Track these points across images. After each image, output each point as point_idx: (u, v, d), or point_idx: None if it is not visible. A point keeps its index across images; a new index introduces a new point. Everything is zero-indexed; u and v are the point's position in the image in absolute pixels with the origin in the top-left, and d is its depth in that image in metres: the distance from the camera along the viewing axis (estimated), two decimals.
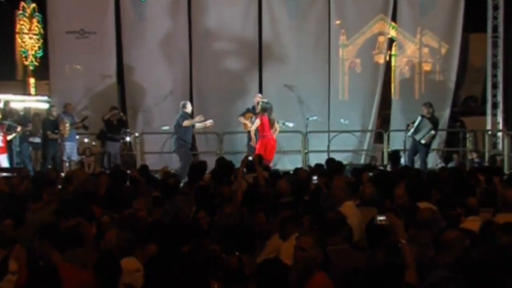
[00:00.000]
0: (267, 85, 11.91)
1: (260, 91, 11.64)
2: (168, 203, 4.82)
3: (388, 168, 9.53)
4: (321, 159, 9.86)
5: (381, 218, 3.15)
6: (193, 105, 11.48)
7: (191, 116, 10.19)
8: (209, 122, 10.11)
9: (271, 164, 9.26)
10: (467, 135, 11.48)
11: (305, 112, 11.76)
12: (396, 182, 5.38)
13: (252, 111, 10.27)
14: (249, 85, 11.96)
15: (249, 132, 10.23)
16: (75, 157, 11.01)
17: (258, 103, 10.11)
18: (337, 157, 9.55)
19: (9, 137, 10.20)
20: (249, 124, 10.12)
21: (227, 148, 11.42)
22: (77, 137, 11.16)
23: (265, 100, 9.75)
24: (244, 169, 5.92)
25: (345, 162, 9.87)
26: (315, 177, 7.13)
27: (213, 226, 4.37)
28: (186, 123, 9.80)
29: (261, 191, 5.21)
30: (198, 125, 10.06)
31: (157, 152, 11.78)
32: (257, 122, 9.47)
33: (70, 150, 10.85)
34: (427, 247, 3.15)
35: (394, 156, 8.75)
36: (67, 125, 10.64)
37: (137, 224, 4.07)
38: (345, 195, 4.57)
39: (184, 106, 10.09)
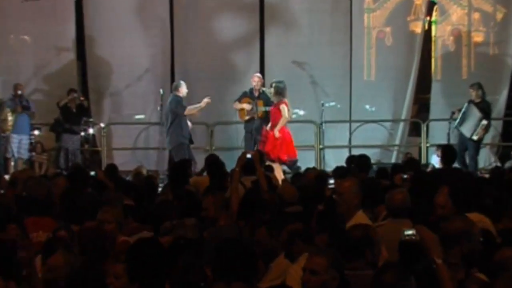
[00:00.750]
0: (271, 62, 11.96)
1: (261, 69, 11.68)
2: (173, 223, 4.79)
3: (431, 169, 9.54)
4: (341, 156, 9.94)
5: (409, 232, 3.16)
6: None
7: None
8: (204, 102, 10.12)
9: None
10: None
11: (319, 96, 11.79)
12: (438, 186, 5.38)
13: (250, 95, 10.28)
14: (247, 62, 12.03)
15: (246, 121, 10.28)
16: (25, 155, 11.02)
17: (257, 86, 10.19)
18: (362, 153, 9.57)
19: None
20: (247, 108, 10.15)
21: (219, 143, 11.49)
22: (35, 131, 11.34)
23: (280, 80, 9.78)
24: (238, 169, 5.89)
25: (371, 161, 9.72)
26: (332, 181, 7.26)
27: (202, 244, 4.36)
28: (190, 110, 9.87)
29: (263, 199, 5.20)
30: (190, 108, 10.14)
31: (128, 148, 11.89)
32: (285, 109, 9.46)
33: (18, 145, 10.83)
34: (457, 268, 3.18)
35: (448, 152, 8.25)
36: (9, 115, 10.64)
37: (103, 240, 4.13)
38: (357, 202, 4.48)
39: (176, 88, 10.07)
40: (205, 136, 11.47)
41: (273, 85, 9.62)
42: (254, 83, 10.27)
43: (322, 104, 11.22)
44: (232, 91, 11.36)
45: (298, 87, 11.63)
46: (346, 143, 11.60)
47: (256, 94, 10.21)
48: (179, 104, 9.91)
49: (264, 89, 10.24)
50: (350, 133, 11.68)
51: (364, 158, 7.53)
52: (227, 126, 11.60)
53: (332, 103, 11.39)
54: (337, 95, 11.82)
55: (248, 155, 5.95)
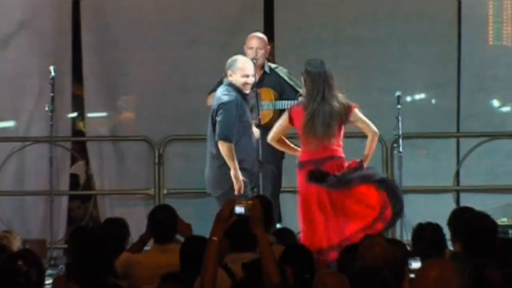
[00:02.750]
0: (285, 11, 12.41)
1: (268, 27, 12.16)
2: None
3: None
4: (437, 209, 10.22)
5: None
6: (80, 74, 11.79)
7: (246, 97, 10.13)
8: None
9: None
10: None
11: (390, 81, 12.15)
12: None
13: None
14: (237, 10, 12.54)
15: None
16: None
17: (259, 58, 10.32)
18: (483, 204, 9.64)
19: None
20: None
21: (175, 181, 11.94)
22: None
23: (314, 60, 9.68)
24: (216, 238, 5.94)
25: (504, 220, 10.04)
26: (416, 263, 7.13)
27: None
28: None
29: None
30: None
31: None
32: (285, 118, 9.57)
33: None
34: None
35: None
36: None
37: None
38: None
39: (230, 68, 10.05)
40: (148, 166, 11.80)
41: (306, 66, 9.78)
42: (249, 53, 10.42)
43: (398, 99, 11.27)
44: (197, 79, 11.70)
45: (344, 63, 11.96)
46: (449, 182, 11.74)
47: (257, 75, 10.32)
48: (241, 106, 9.97)
49: (271, 65, 10.50)
50: (458, 161, 11.85)
51: (484, 218, 7.58)
52: (192, 145, 11.65)
53: (420, 96, 11.58)
54: (429, 79, 12.12)
55: (239, 208, 6.00)
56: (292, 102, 9.98)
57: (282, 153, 10.19)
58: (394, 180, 9.94)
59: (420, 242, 7.55)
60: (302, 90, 9.81)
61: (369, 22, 12.18)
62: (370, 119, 11.29)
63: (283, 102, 10.11)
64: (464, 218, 7.91)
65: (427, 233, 7.61)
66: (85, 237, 6.96)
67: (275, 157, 10.14)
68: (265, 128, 9.92)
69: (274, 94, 10.17)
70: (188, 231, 8.05)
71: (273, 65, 10.42)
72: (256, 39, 10.46)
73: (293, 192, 10.70)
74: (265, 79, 10.27)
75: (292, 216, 10.93)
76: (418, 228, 7.72)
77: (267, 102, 10.14)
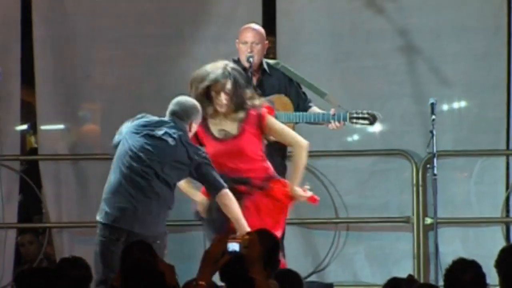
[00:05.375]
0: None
1: (269, 19, 12.51)
2: None
3: None
4: (484, 249, 10.21)
5: None
6: (31, 77, 12.36)
7: None
8: None
9: None
10: None
11: (425, 86, 12.34)
12: None
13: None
14: None
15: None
16: None
17: (255, 56, 10.40)
18: None
19: None
20: None
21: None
22: None
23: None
24: None
25: None
26: None
27: None
28: None
29: None
30: None
31: None
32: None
33: None
34: None
35: None
36: None
37: None
38: None
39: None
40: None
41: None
42: (243, 49, 10.61)
43: (432, 107, 11.35)
44: (174, 70, 11.91)
45: (364, 63, 12.35)
46: (496, 212, 11.96)
47: (255, 78, 10.51)
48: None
49: (269, 61, 10.68)
50: (508, 185, 12.06)
51: None
52: None
53: (460, 103, 11.95)
54: (471, 82, 12.26)
55: (233, 245, 6.31)
56: (323, 114, 10.03)
57: (284, 168, 10.11)
58: None
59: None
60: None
61: (395, 12, 12.23)
62: (398, 134, 11.32)
63: (313, 115, 10.11)
64: None
65: (466, 277, 7.34)
66: (34, 284, 6.82)
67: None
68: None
69: (280, 103, 10.15)
70: (170, 274, 7.76)
71: (271, 61, 10.49)
72: (251, 32, 10.54)
73: (298, 224, 10.69)
74: (266, 81, 10.33)
75: (298, 254, 10.89)
76: (454, 268, 7.41)
77: (286, 113, 10.12)
